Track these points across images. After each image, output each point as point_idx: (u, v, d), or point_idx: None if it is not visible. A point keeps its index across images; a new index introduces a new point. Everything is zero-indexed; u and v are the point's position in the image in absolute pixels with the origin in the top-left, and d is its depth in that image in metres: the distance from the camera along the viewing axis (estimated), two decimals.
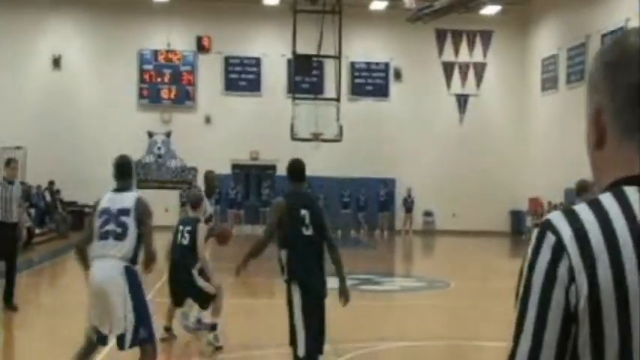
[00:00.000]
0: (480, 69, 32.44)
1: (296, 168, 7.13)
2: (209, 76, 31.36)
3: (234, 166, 30.85)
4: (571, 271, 1.41)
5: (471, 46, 32.40)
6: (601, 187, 1.55)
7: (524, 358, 1.44)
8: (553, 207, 27.49)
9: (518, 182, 30.86)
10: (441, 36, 31.98)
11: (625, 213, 1.43)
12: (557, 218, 1.47)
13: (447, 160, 30.62)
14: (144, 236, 6.66)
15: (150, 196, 31.29)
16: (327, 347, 9.96)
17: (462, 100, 32.39)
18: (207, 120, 31.22)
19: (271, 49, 31.10)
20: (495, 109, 32.36)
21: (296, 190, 7.06)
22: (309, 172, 26.67)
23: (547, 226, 1.46)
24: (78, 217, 28.57)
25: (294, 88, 29.13)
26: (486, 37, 32.21)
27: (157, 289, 11.29)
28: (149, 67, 31.37)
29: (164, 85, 31.34)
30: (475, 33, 32.13)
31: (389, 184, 30.72)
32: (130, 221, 6.56)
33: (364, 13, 30.49)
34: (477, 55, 32.43)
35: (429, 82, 32.00)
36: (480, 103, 32.30)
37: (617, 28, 25.02)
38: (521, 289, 1.47)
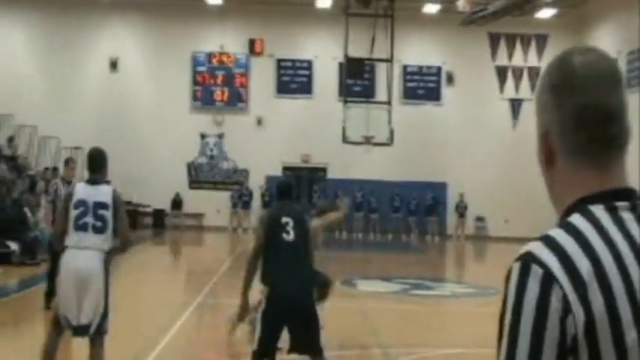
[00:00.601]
0: (534, 73, 32.02)
1: (281, 187, 7.37)
2: (261, 78, 31.57)
3: (285, 169, 30.91)
4: (565, 301, 1.40)
5: (526, 50, 32.07)
6: (559, 206, 1.59)
7: None
8: None
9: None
10: (494, 40, 31.70)
11: (603, 237, 1.45)
12: (539, 249, 1.46)
13: (499, 165, 30.32)
14: (120, 228, 6.92)
15: (202, 197, 31.63)
16: (377, 351, 9.96)
17: (516, 105, 32.05)
18: (259, 122, 31.40)
19: (323, 52, 31.15)
20: None
21: (281, 204, 7.12)
22: (360, 176, 26.85)
23: (531, 259, 1.45)
24: (132, 216, 28.94)
25: (346, 91, 29.11)
26: (541, 41, 31.85)
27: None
28: (202, 69, 31.69)
29: (217, 87, 31.64)
30: (530, 37, 31.80)
31: (438, 188, 30.48)
32: (108, 215, 6.80)
33: (417, 17, 30.35)
34: (532, 60, 32.08)
35: (482, 86, 31.74)
36: (534, 109, 31.92)
37: None
38: (506, 328, 1.44)
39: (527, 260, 1.46)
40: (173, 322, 10.82)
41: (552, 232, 1.49)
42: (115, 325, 6.84)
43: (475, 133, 31.03)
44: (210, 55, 31.66)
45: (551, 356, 1.40)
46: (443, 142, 30.47)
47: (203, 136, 31.48)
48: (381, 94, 29.78)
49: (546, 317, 1.41)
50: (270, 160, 30.05)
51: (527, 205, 29.66)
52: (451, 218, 31.28)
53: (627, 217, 1.50)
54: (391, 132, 27.39)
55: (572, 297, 1.41)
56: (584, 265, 1.43)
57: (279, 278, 6.41)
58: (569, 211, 1.53)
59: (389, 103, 27.54)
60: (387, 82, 28.46)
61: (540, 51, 31.97)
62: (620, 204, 1.51)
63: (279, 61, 31.78)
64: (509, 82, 32.12)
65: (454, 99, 31.82)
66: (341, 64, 29.56)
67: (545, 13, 30.26)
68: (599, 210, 1.50)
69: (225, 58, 31.71)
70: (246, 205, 30.46)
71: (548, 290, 1.42)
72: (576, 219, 1.49)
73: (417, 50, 31.48)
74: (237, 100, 31.63)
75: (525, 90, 32.09)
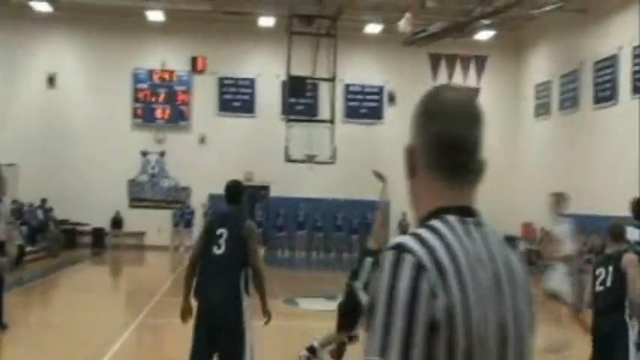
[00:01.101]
0: (474, 94, 32.54)
1: (229, 189, 7.04)
2: (204, 96, 31.42)
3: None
4: (432, 286, 1.66)
5: (465, 70, 32.47)
6: (416, 210, 1.92)
7: None
8: (546, 233, 27.49)
9: (512, 207, 30.90)
10: (435, 60, 32.05)
11: (458, 240, 1.76)
12: (410, 242, 1.73)
13: None
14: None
15: (143, 215, 31.26)
16: None
17: None
18: (202, 140, 31.22)
19: (266, 70, 31.15)
20: (489, 133, 31.74)
21: (225, 210, 6.97)
22: (303, 194, 26.81)
23: (402, 249, 1.71)
24: (70, 235, 28.47)
25: (288, 110, 29.21)
26: (480, 62, 32.30)
27: None
28: (143, 86, 31.39)
29: (158, 104, 31.35)
30: (469, 58, 32.22)
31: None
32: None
33: (359, 37, 30.60)
34: (471, 80, 32.51)
35: None
36: None
37: (609, 55, 25.19)
38: (381, 310, 1.67)
39: (400, 250, 1.71)
40: (112, 342, 10.65)
41: (418, 231, 1.77)
42: (53, 346, 6.70)
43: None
44: (151, 72, 31.38)
45: (422, 334, 1.64)
46: (385, 160, 30.47)
47: (144, 154, 31.16)
48: (323, 112, 29.95)
49: (418, 299, 1.65)
50: (213, 179, 29.66)
51: None
52: (393, 236, 31.40)
53: (473, 230, 1.81)
54: (334, 150, 27.57)
55: (437, 284, 1.67)
56: (445, 259, 1.70)
57: (204, 293, 6.35)
58: (429, 217, 1.82)
59: (332, 121, 27.74)
60: (329, 101, 28.68)
61: (479, 72, 32.42)
62: (469, 219, 1.83)
63: (221, 79, 31.65)
64: None
65: (396, 118, 32.05)
66: (284, 83, 29.65)
67: (484, 35, 30.75)
68: (453, 220, 1.80)
69: (167, 76, 31.47)
70: (188, 223, 30.20)
71: (419, 276, 1.67)
72: (436, 223, 1.78)
73: (359, 70, 31.70)
74: (179, 118, 31.39)
75: None
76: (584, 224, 24.77)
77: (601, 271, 7.33)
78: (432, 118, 1.91)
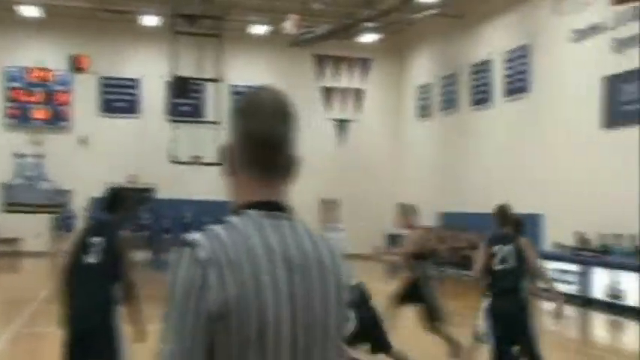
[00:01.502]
0: (358, 95, 33.01)
1: (107, 198, 6.72)
2: (85, 96, 30.48)
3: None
4: (207, 279, 1.77)
5: (350, 72, 32.95)
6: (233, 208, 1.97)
7: (173, 358, 1.76)
8: (425, 229, 28.13)
9: (395, 204, 31.36)
10: (320, 61, 32.38)
11: (251, 234, 1.85)
12: (199, 237, 1.85)
13: (326, 184, 30.71)
14: None
15: (18, 220, 30.15)
16: None
17: (341, 126, 32.84)
18: (83, 142, 30.36)
19: (150, 71, 30.64)
20: (373, 134, 32.95)
21: (103, 219, 6.59)
22: (189, 195, 26.65)
23: (188, 243, 1.84)
24: None
25: (173, 111, 28.93)
26: (365, 64, 32.86)
27: None
28: (17, 85, 30.20)
29: (35, 104, 30.21)
30: (354, 60, 32.70)
31: None
32: None
33: (245, 37, 30.53)
34: (356, 82, 33.01)
35: (309, 107, 32.21)
36: (359, 128, 32.84)
37: (483, 60, 26.05)
38: (168, 300, 1.81)
39: (186, 244, 1.84)
40: None
41: (214, 226, 1.88)
42: None
43: (303, 152, 31.07)
44: (25, 71, 30.28)
45: (195, 325, 1.75)
46: None
47: (19, 156, 30.04)
48: (209, 113, 29.77)
49: (192, 292, 1.77)
50: (95, 181, 29.04)
51: (352, 222, 30.19)
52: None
53: (280, 224, 1.92)
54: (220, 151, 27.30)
55: (214, 276, 1.77)
56: (229, 253, 1.80)
57: (73, 303, 6.07)
58: (235, 212, 1.94)
59: (218, 122, 27.56)
60: (215, 101, 28.53)
61: (364, 74, 32.98)
62: (276, 213, 1.93)
63: (103, 78, 30.87)
64: (335, 103, 32.87)
65: None
66: (168, 83, 29.33)
67: (369, 38, 31.19)
68: (256, 214, 1.90)
69: (44, 74, 30.41)
70: (69, 228, 29.33)
71: (196, 270, 1.78)
72: (235, 218, 1.90)
73: (245, 70, 31.56)
74: (58, 118, 30.45)
75: (350, 111, 32.98)
76: (462, 221, 25.58)
77: (497, 249, 7.53)
78: (242, 117, 2.00)
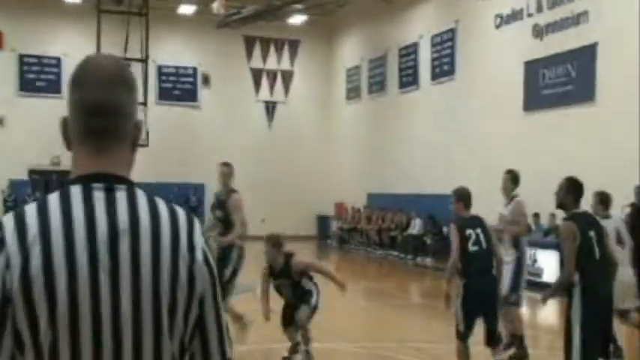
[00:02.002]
0: (287, 77, 33.16)
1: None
2: (2, 75, 29.81)
3: (32, 172, 29.59)
4: (7, 260, 1.70)
5: (279, 54, 33.05)
6: None
7: None
8: (356, 211, 28.59)
9: (325, 187, 31.72)
10: (249, 43, 32.41)
11: (66, 211, 1.75)
12: (7, 217, 1.77)
13: (256, 166, 30.70)
14: None
15: None
16: None
17: (271, 107, 32.97)
18: (1, 122, 29.74)
19: (73, 50, 29.99)
20: (303, 116, 33.13)
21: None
22: None
23: None
24: None
25: None
26: (294, 45, 32.98)
27: None
28: None
29: None
30: (283, 41, 32.80)
31: (198, 189, 30.55)
32: None
33: (172, 17, 30.37)
34: (285, 64, 33.12)
35: (238, 88, 32.32)
36: (288, 111, 33.00)
37: (411, 43, 26.45)
38: None
39: None
40: None
41: (28, 205, 1.80)
42: None
43: (232, 134, 31.37)
44: None
45: None
46: (201, 142, 30.69)
47: None
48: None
49: None
50: (14, 164, 28.67)
51: (283, 205, 30.51)
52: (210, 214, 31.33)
53: (99, 196, 1.79)
54: (147, 133, 27.24)
55: (15, 256, 1.70)
56: (33, 231, 1.72)
57: None
58: (66, 184, 1.85)
59: (144, 104, 27.37)
60: (142, 82, 28.29)
61: (293, 55, 33.11)
62: (96, 185, 1.81)
63: (22, 56, 30.21)
64: (265, 84, 32.97)
65: (211, 100, 32.18)
66: None
67: (297, 20, 31.39)
68: (77, 188, 1.80)
69: None
70: None
71: None
72: (53, 194, 1.81)
73: (172, 51, 31.43)
74: None
75: (279, 92, 33.11)
76: (390, 202, 26.02)
77: (470, 232, 7.82)
78: (74, 86, 1.89)
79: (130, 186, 1.88)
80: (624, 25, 17.19)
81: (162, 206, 1.89)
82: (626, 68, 17.07)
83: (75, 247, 1.72)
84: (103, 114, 1.84)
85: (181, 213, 1.90)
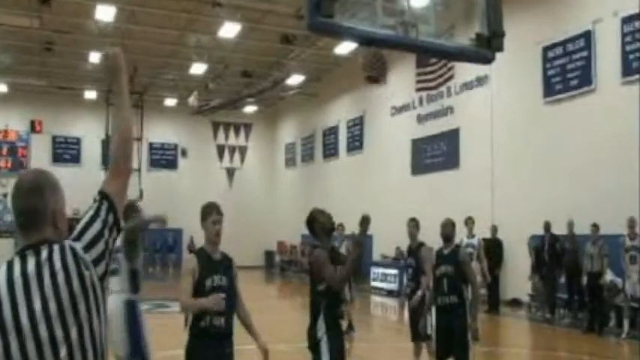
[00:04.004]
0: (243, 150, 33.16)
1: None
2: (39, 150, 29.29)
3: None
4: None
5: (237, 133, 33.07)
6: None
7: None
8: (293, 247, 28.49)
9: (270, 230, 31.51)
10: (215, 125, 32.38)
11: (12, 267, 1.87)
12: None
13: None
14: None
15: None
16: None
17: (231, 172, 32.85)
18: None
19: (90, 132, 29.78)
20: (254, 179, 33.08)
21: None
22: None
23: None
24: None
25: (107, 161, 28.16)
26: (248, 127, 33.07)
27: None
28: None
29: (1, 157, 28.93)
30: (240, 124, 32.86)
31: (176, 232, 29.77)
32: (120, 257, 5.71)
33: (160, 107, 30.22)
34: (241, 140, 33.14)
35: (207, 158, 32.19)
36: (244, 175, 32.91)
37: (332, 126, 26.74)
38: None
39: None
40: None
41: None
42: None
43: (202, 193, 30.88)
44: None
45: None
46: (180, 199, 30.27)
47: None
48: (134, 163, 29.20)
49: None
50: None
51: (240, 243, 29.84)
52: (185, 254, 30.97)
53: (30, 254, 1.88)
54: (141, 192, 27.04)
55: None
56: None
57: None
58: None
59: (139, 170, 27.23)
60: (137, 154, 28.08)
61: (247, 135, 33.17)
62: (28, 251, 1.89)
63: (54, 137, 29.81)
64: (226, 156, 32.89)
65: (187, 167, 31.91)
66: (103, 141, 28.75)
67: (250, 109, 31.50)
68: (18, 254, 1.89)
69: (9, 135, 29.18)
70: None
71: None
72: (13, 257, 1.88)
73: (160, 131, 31.19)
74: (19, 167, 28.92)
75: (237, 161, 33.04)
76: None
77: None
78: (13, 195, 2.01)
79: (50, 243, 1.90)
80: (477, 116, 17.79)
81: (64, 255, 1.90)
82: (479, 145, 17.62)
83: (14, 288, 1.80)
84: (21, 214, 1.95)
85: (73, 259, 1.91)
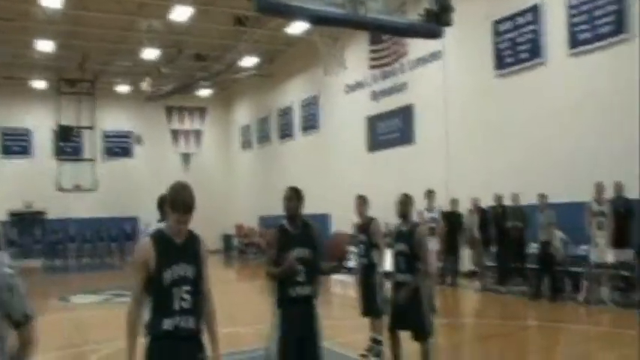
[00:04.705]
0: (199, 134, 32.74)
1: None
2: None
3: (12, 214, 28.14)
4: None
5: (192, 118, 32.60)
6: None
7: None
8: (251, 230, 28.38)
9: (228, 213, 31.30)
10: (169, 110, 31.84)
11: None
12: None
13: None
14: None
15: None
16: (87, 348, 9.40)
17: (186, 157, 32.40)
18: None
19: (41, 122, 28.85)
20: (210, 162, 32.75)
21: None
22: (74, 215, 25.25)
23: None
24: None
25: (59, 151, 27.66)
26: (203, 111, 32.63)
27: None
28: None
29: None
30: (194, 108, 32.39)
31: (132, 220, 29.07)
32: None
33: (113, 94, 29.42)
34: (197, 125, 32.69)
35: (162, 144, 31.67)
36: (200, 159, 32.54)
37: (287, 106, 26.59)
38: None
39: None
40: None
41: None
42: None
43: (158, 178, 30.39)
44: None
45: None
46: (135, 186, 29.74)
47: None
48: (88, 152, 28.70)
49: None
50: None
51: (198, 226, 29.73)
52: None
53: None
54: (96, 181, 26.51)
55: None
56: None
57: None
58: None
59: (94, 160, 26.74)
60: (91, 143, 27.49)
61: (202, 118, 32.73)
62: None
63: (3, 129, 28.62)
64: (181, 140, 32.41)
65: (142, 154, 31.33)
66: (55, 131, 28.09)
67: (205, 93, 31.07)
68: None
69: None
70: None
71: None
72: None
73: (113, 119, 30.48)
74: None
75: (192, 146, 32.61)
76: (274, 221, 25.90)
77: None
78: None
79: None
80: (431, 92, 17.88)
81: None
82: (433, 120, 17.74)
83: None
84: None
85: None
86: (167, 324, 3.44)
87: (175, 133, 32.20)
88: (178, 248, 3.56)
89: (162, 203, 3.37)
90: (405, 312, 6.20)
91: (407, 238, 6.31)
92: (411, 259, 6.29)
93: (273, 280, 4.99)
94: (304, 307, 4.91)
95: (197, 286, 3.55)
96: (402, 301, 6.18)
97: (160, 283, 3.46)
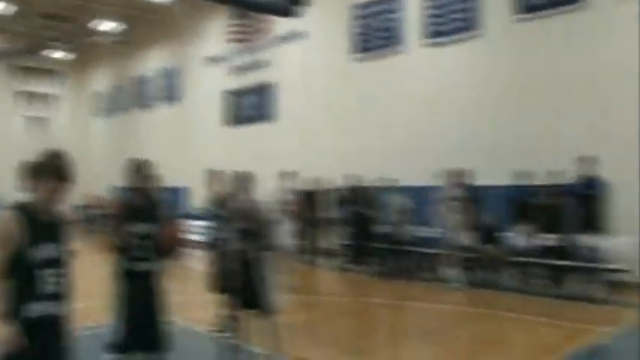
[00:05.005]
0: (51, 98, 30.58)
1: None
2: None
3: None
4: None
5: (43, 80, 30.37)
6: None
7: None
8: (101, 200, 27.07)
9: (82, 182, 29.52)
10: (14, 70, 29.38)
11: None
12: None
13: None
14: None
15: None
16: None
17: (35, 121, 30.13)
18: None
19: None
20: (65, 129, 30.76)
21: None
22: None
23: None
24: None
25: None
26: (56, 74, 30.50)
27: None
28: None
29: None
30: (47, 70, 30.16)
31: None
32: None
33: None
34: (50, 88, 30.51)
35: (5, 107, 29.24)
36: (56, 123, 30.45)
37: (149, 75, 25.52)
38: None
39: None
40: None
41: None
42: None
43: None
44: None
45: None
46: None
47: None
48: None
49: None
50: None
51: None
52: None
53: None
54: None
55: None
56: None
57: None
58: None
59: None
60: None
61: (58, 82, 30.66)
62: None
63: None
64: (29, 104, 30.08)
65: None
66: None
67: (59, 55, 29.09)
68: None
69: None
70: None
71: None
72: None
73: None
74: None
75: (43, 110, 30.45)
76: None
77: None
78: None
79: None
80: (293, 70, 17.94)
81: None
82: (295, 98, 17.84)
83: None
84: None
85: None
86: (34, 310, 3.08)
87: (21, 95, 29.77)
88: (47, 225, 3.18)
89: (32, 171, 2.80)
90: (252, 288, 6.17)
91: (249, 215, 6.29)
92: (256, 235, 6.27)
93: (116, 253, 4.86)
94: (147, 281, 4.83)
95: (65, 267, 3.24)
96: (246, 278, 6.16)
97: (25, 263, 3.06)
